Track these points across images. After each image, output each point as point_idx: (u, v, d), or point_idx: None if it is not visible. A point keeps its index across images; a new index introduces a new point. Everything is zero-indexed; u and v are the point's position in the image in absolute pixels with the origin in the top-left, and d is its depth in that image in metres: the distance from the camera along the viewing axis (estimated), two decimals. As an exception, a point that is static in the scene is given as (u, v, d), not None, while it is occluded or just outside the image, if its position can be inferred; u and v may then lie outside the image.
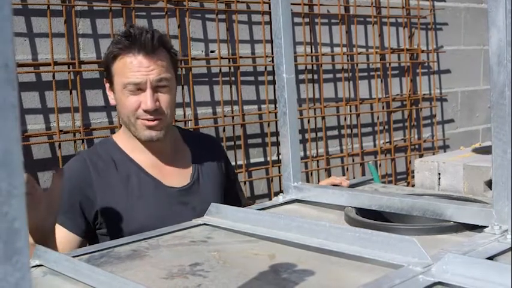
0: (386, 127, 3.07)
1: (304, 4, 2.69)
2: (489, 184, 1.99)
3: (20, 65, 1.95)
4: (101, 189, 1.51)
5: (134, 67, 1.50)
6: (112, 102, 1.60)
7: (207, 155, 1.69)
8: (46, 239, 1.25)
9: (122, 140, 1.61)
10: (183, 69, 2.33)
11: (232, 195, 1.74)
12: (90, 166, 1.54)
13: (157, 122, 1.53)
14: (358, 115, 2.94)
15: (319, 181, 2.54)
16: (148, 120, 1.52)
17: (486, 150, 2.29)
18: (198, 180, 1.63)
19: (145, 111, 1.51)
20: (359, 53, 2.92)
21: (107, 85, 1.60)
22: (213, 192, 1.64)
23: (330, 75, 2.86)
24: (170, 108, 1.55)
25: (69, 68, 2.05)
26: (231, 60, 2.48)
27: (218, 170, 1.71)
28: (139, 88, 1.51)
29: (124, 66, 1.51)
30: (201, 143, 1.73)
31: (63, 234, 1.45)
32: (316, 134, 2.77)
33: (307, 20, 2.72)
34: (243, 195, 1.87)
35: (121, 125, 1.66)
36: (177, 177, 1.61)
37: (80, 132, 2.06)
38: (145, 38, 1.51)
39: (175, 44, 2.23)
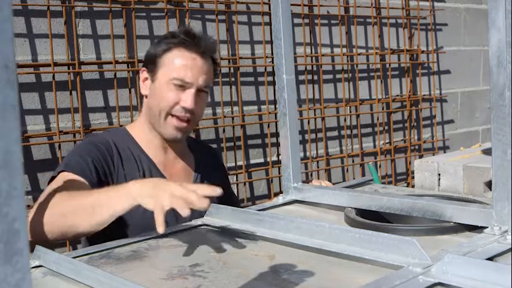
0: (386, 128, 3.07)
1: (304, 5, 2.69)
2: (489, 185, 1.99)
3: (20, 66, 1.95)
4: (119, 169, 1.50)
5: (188, 65, 1.51)
6: (144, 92, 1.59)
7: (208, 165, 1.70)
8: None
9: (138, 132, 1.60)
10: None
11: None
12: (113, 146, 1.52)
13: (186, 125, 1.54)
14: (358, 116, 2.94)
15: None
16: (180, 118, 1.52)
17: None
18: None
19: (184, 108, 1.51)
20: (359, 54, 2.92)
21: (144, 74, 1.59)
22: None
23: (330, 76, 2.86)
24: (200, 114, 1.58)
25: (69, 68, 2.05)
26: (231, 61, 2.48)
27: (216, 182, 1.70)
28: (184, 86, 1.51)
29: (177, 61, 1.52)
30: (204, 153, 1.74)
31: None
32: (316, 135, 2.77)
33: (307, 20, 2.72)
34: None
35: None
36: (180, 180, 1.61)
37: (80, 133, 2.06)
38: (206, 41, 1.53)
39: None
